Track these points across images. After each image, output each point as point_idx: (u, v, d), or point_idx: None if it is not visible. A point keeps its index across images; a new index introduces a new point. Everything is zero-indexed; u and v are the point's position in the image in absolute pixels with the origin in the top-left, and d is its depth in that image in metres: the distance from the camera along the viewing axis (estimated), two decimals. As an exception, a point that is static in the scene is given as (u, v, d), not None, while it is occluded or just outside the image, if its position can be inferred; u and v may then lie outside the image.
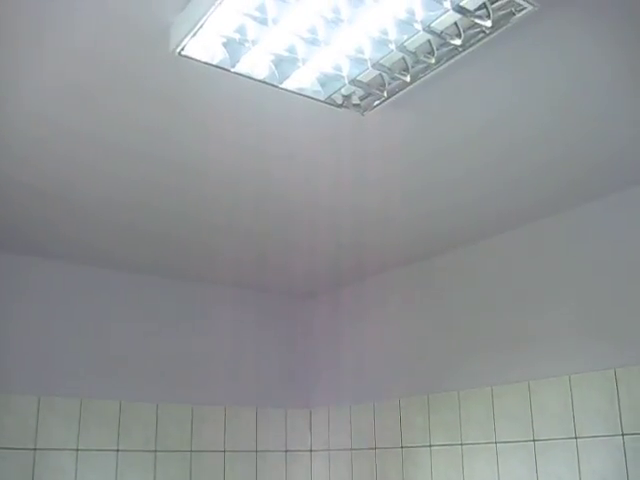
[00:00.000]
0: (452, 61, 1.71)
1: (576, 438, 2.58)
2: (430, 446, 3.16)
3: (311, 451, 3.90)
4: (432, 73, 1.76)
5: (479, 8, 1.54)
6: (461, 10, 1.53)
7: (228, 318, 3.81)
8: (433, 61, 1.71)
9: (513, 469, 2.78)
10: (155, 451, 3.40)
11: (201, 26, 1.57)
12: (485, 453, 2.90)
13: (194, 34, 1.60)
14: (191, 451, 3.51)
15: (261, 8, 1.56)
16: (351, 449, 3.61)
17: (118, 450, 3.31)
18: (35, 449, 3.11)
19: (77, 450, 3.21)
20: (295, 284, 3.85)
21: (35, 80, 1.86)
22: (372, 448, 3.47)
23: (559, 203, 2.73)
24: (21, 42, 1.69)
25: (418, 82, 1.80)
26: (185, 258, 3.37)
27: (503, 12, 1.55)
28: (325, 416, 3.84)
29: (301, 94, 1.85)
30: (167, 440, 3.45)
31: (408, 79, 1.79)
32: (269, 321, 3.97)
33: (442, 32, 1.62)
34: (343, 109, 1.94)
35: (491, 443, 2.89)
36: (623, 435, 2.45)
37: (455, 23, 1.59)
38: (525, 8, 1.52)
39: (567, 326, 2.70)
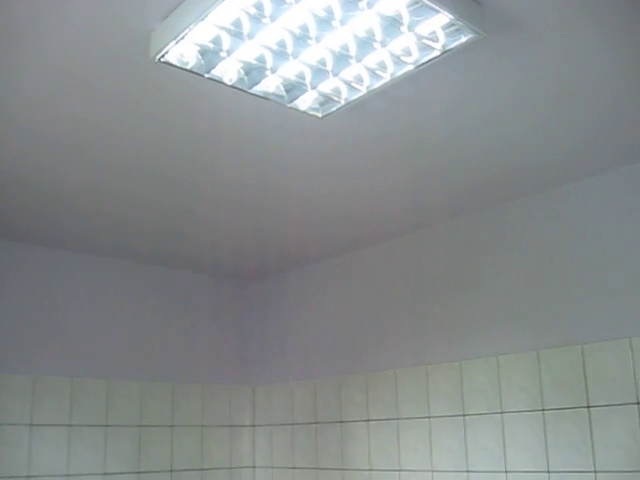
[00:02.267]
0: (401, 75, 1.91)
1: (502, 413, 2.84)
2: (368, 421, 3.39)
3: (254, 426, 4.09)
4: (383, 85, 1.96)
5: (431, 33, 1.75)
6: (415, 34, 1.74)
7: (179, 299, 3.97)
8: (387, 75, 1.92)
9: (445, 441, 3.03)
10: (106, 426, 3.54)
11: (183, 37, 1.72)
12: (419, 427, 3.14)
13: (176, 42, 1.75)
14: (140, 426, 3.65)
15: (237, 23, 1.73)
16: (292, 424, 3.81)
17: (70, 425, 3.43)
18: (-5, 423, 3.21)
19: (30, 425, 3.32)
20: (243, 267, 4.00)
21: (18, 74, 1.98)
22: (313, 423, 3.69)
23: (492, 198, 2.97)
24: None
25: (371, 92, 2.00)
26: (144, 242, 3.49)
27: (451, 38, 1.75)
28: (268, 393, 4.03)
29: (267, 98, 2.02)
30: (117, 415, 3.59)
31: (364, 90, 1.99)
32: (216, 302, 4.13)
33: (397, 53, 1.82)
34: (304, 113, 2.12)
35: (425, 418, 3.13)
36: (544, 410, 2.71)
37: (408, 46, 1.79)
38: (471, 35, 1.73)
39: (496, 311, 2.95)
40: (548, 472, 2.65)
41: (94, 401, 3.53)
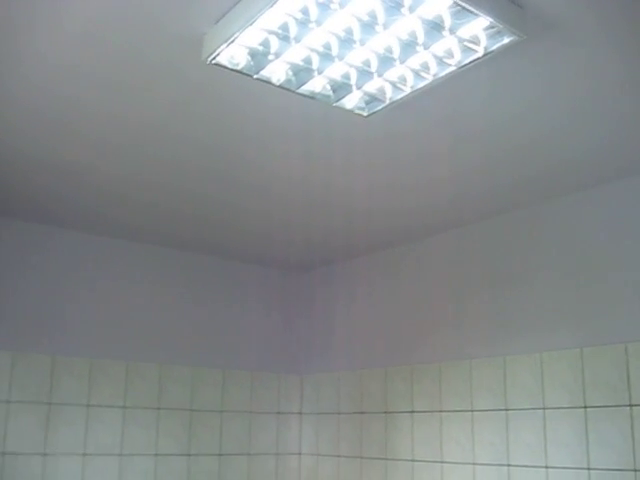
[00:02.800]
0: (444, 75, 1.96)
1: (544, 409, 2.87)
2: (412, 412, 3.45)
3: (301, 414, 4.19)
4: (426, 85, 2.02)
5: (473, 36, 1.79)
6: (457, 37, 1.78)
7: (231, 289, 4.08)
8: (430, 76, 1.97)
9: (487, 435, 3.07)
10: (158, 409, 3.68)
11: (233, 40, 1.81)
12: (462, 420, 3.19)
13: (227, 45, 1.83)
14: (191, 410, 3.78)
15: (284, 27, 1.80)
16: (338, 413, 3.89)
17: (124, 407, 3.58)
18: (50, 403, 3.37)
19: (88, 406, 3.47)
20: (292, 259, 4.10)
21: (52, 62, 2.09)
22: (358, 413, 3.76)
23: (537, 195, 2.98)
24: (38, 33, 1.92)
25: (415, 92, 2.05)
26: (195, 232, 3.61)
27: (493, 40, 1.80)
28: (315, 382, 4.12)
29: (314, 98, 2.10)
30: (169, 399, 3.72)
31: (408, 89, 2.05)
32: (267, 293, 4.23)
33: (439, 55, 1.87)
34: (350, 112, 2.19)
35: (467, 411, 3.17)
36: (585, 408, 2.73)
37: (450, 48, 1.84)
38: (512, 37, 1.77)
39: (541, 308, 2.97)
40: (588, 469, 2.67)
41: (147, 385, 3.67)
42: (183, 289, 3.90)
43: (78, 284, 3.56)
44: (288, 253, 3.98)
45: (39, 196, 3.13)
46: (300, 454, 4.13)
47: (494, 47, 1.82)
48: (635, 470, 2.54)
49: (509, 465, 2.95)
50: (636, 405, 2.58)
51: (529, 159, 2.61)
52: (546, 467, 2.82)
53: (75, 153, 2.65)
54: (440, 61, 1.91)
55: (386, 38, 1.83)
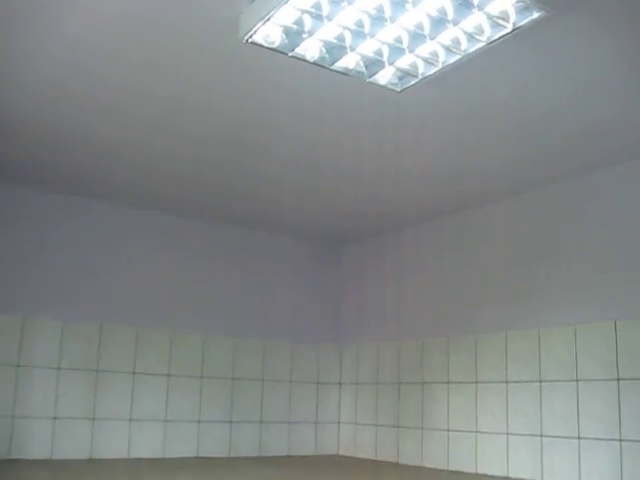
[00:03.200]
0: (474, 51, 1.99)
1: (577, 380, 2.90)
2: (448, 383, 3.51)
3: (340, 384, 4.28)
4: (457, 60, 2.05)
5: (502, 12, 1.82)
6: (486, 13, 1.82)
7: (272, 262, 4.18)
8: (461, 52, 2.00)
9: (520, 405, 3.12)
10: (201, 377, 3.80)
11: (269, 18, 1.87)
12: (497, 390, 3.24)
13: (263, 24, 1.89)
14: (233, 378, 3.90)
15: (317, 5, 1.85)
16: (377, 383, 3.98)
17: (169, 375, 3.71)
18: (97, 370, 3.51)
19: (133, 373, 3.61)
20: (333, 233, 4.17)
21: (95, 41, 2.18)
22: (395, 383, 3.84)
23: (571, 171, 3.00)
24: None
25: (446, 67, 2.09)
26: (239, 206, 3.69)
27: (521, 16, 1.83)
28: (354, 352, 4.21)
29: (348, 74, 2.15)
30: (212, 368, 3.84)
31: (439, 65, 2.09)
32: (307, 266, 4.32)
33: (469, 30, 1.90)
34: (383, 88, 2.24)
35: (502, 382, 3.22)
36: (618, 380, 2.76)
37: (480, 24, 1.88)
38: (540, 12, 1.80)
39: (575, 282, 3.00)
40: (620, 440, 2.70)
41: (191, 354, 3.79)
42: (226, 262, 4.01)
43: (120, 256, 3.69)
44: (329, 226, 4.05)
45: (70, 169, 3.23)
46: (339, 423, 4.22)
47: (522, 22, 1.85)
48: (666, 441, 2.57)
49: (542, 435, 3.00)
50: (669, 377, 2.60)
51: (565, 131, 2.62)
52: (578, 438, 2.85)
53: (108, 128, 2.74)
54: (470, 37, 1.95)
55: (416, 15, 1.87)
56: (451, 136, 2.71)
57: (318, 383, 4.21)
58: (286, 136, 2.77)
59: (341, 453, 4.18)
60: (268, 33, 1.96)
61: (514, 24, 1.86)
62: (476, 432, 3.31)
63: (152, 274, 3.75)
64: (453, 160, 2.95)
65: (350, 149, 2.87)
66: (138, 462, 3.38)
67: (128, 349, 3.61)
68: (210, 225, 3.99)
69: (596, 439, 2.79)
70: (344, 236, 4.26)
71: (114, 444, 3.50)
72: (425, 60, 2.09)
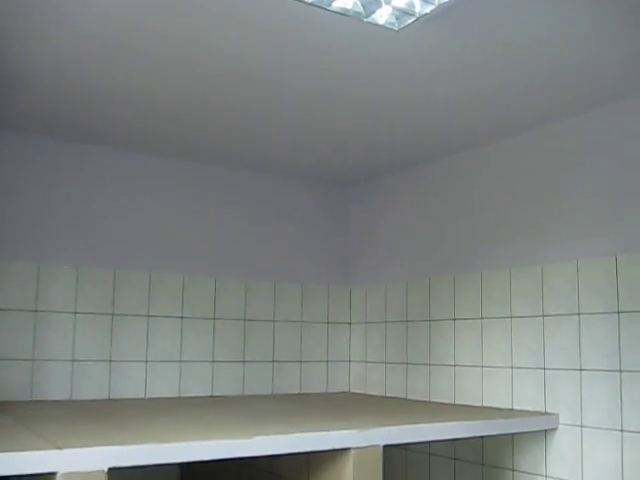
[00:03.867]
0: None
1: (579, 314, 2.97)
2: (454, 320, 3.59)
3: (350, 324, 4.37)
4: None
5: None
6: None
7: (281, 205, 4.23)
8: (457, -11, 2.02)
9: (524, 339, 3.19)
10: (214, 319, 3.90)
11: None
12: (501, 326, 3.31)
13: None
14: (245, 320, 4.00)
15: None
16: (385, 322, 4.06)
17: (182, 317, 3.81)
18: (113, 314, 3.62)
19: (148, 316, 3.71)
20: (341, 173, 4.21)
21: None
22: (403, 321, 3.92)
23: (573, 107, 3.00)
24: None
25: (443, 5, 2.10)
26: (246, 150, 3.73)
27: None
28: (363, 293, 4.29)
29: (346, 15, 2.17)
30: (224, 310, 3.94)
31: (436, 3, 2.10)
32: (316, 207, 4.37)
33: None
34: (382, 27, 2.25)
35: (507, 318, 3.29)
36: (619, 312, 2.82)
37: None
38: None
39: (576, 218, 3.04)
40: (620, 371, 2.78)
41: (203, 297, 3.89)
42: (236, 207, 4.07)
43: (132, 201, 3.76)
44: (337, 167, 4.09)
45: (79, 116, 3.26)
46: (349, 361, 4.33)
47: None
48: (665, 371, 2.64)
49: (545, 368, 3.08)
50: (668, 309, 2.66)
51: (565, 68, 2.63)
52: (580, 369, 2.93)
53: (117, 72, 2.76)
54: (465, -26, 1.96)
55: (410, -47, 1.88)
56: (447, 71, 2.72)
57: (328, 323, 4.30)
58: (298, 72, 2.76)
59: (352, 390, 4.29)
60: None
61: (508, -40, 1.87)
62: (482, 367, 3.39)
63: (163, 220, 3.83)
64: (452, 94, 2.96)
65: (360, 82, 2.87)
66: (155, 401, 3.50)
67: (142, 293, 3.71)
68: (220, 170, 4.04)
69: (597, 370, 2.87)
70: (351, 178, 4.30)
71: (131, 385, 3.62)
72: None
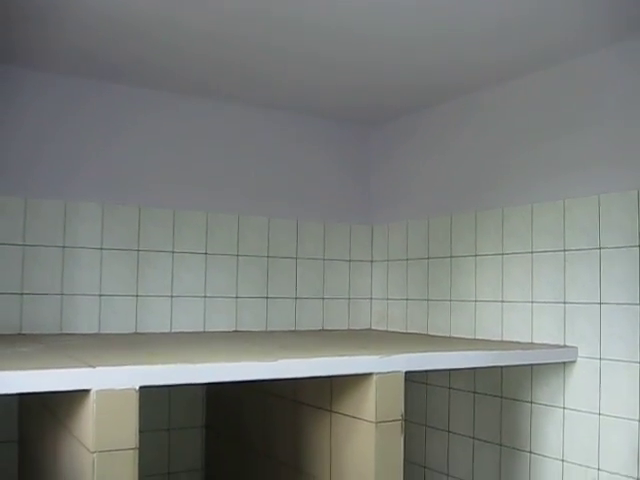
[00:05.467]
0: None
1: (600, 249, 2.98)
2: (475, 256, 3.62)
3: (372, 261, 4.42)
4: None
5: None
6: None
7: (304, 143, 4.26)
8: None
9: (545, 274, 3.22)
10: (237, 255, 3.96)
11: None
12: (522, 261, 3.34)
13: None
14: (268, 257, 4.06)
15: None
16: (407, 259, 4.10)
17: (206, 253, 3.87)
18: (138, 250, 3.68)
19: (172, 253, 3.78)
20: (363, 113, 4.20)
21: None
22: (425, 258, 3.96)
23: (588, 43, 2.97)
24: None
25: None
26: (267, 87, 3.74)
27: None
28: (385, 230, 4.32)
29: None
30: (247, 246, 4.00)
31: None
32: (338, 147, 4.39)
33: None
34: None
35: (528, 253, 3.32)
36: (639, 246, 2.84)
37: None
38: None
39: (597, 153, 3.03)
40: (639, 304, 2.81)
41: (227, 233, 3.94)
42: (257, 146, 4.09)
43: (156, 139, 3.80)
44: (358, 106, 4.09)
45: (89, 50, 3.27)
46: (371, 299, 4.39)
47: None
48: (685, 303, 2.66)
49: (565, 302, 3.11)
50: (689, 242, 2.67)
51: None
52: (600, 303, 2.96)
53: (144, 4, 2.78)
54: None
55: None
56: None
57: (350, 261, 4.35)
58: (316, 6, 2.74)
59: (373, 327, 4.36)
60: None
61: None
62: (502, 302, 3.43)
63: (186, 158, 3.87)
64: (470, 30, 2.94)
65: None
66: (181, 335, 3.59)
67: (166, 230, 3.77)
68: (240, 108, 4.05)
69: (617, 304, 2.89)
70: (372, 118, 4.30)
71: (157, 319, 3.71)
72: None
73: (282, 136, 4.19)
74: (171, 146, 3.83)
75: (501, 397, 3.41)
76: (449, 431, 3.70)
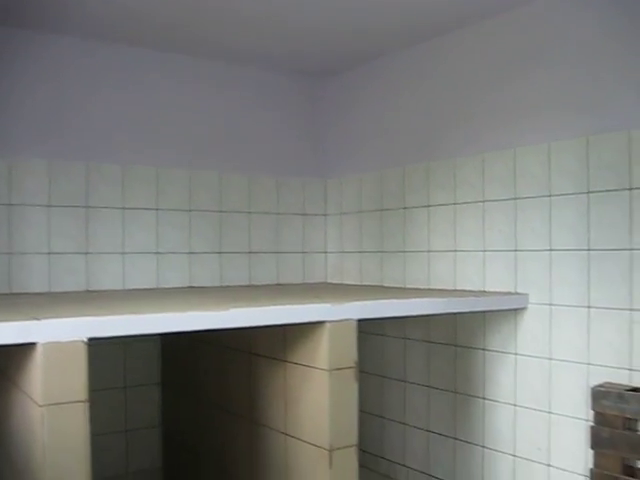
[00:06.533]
0: None
1: (550, 196, 3.01)
2: (428, 207, 3.63)
3: (325, 215, 4.41)
4: None
5: None
6: None
7: (255, 97, 4.19)
8: None
9: (496, 222, 3.25)
10: (189, 211, 3.91)
11: None
12: (474, 210, 3.36)
13: None
14: (220, 211, 4.01)
15: None
16: (360, 212, 4.10)
17: (157, 209, 3.81)
18: (87, 207, 3.61)
19: (123, 209, 3.71)
20: (314, 65, 4.15)
21: None
22: (378, 210, 3.96)
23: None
24: None
25: None
26: (214, 34, 3.66)
27: None
28: (338, 184, 4.31)
29: None
30: (199, 202, 3.95)
31: None
32: (290, 100, 4.33)
33: None
34: None
35: (480, 202, 3.34)
36: (589, 193, 2.86)
37: None
38: None
39: (547, 100, 3.04)
40: (588, 250, 2.85)
41: (178, 189, 3.88)
42: (208, 100, 4.02)
43: (102, 94, 3.70)
44: (309, 59, 4.03)
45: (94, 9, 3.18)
46: (325, 252, 4.39)
47: None
48: (631, 249, 2.70)
49: (516, 250, 3.15)
50: (636, 188, 2.70)
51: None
52: (550, 250, 3.00)
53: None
54: None
55: None
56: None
57: (304, 215, 4.33)
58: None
59: (329, 280, 4.37)
60: None
61: None
62: (455, 251, 3.46)
63: (134, 112, 3.78)
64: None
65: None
66: (134, 291, 3.54)
67: (115, 186, 3.70)
68: (190, 59, 3.96)
69: (566, 250, 2.93)
70: (324, 69, 4.25)
71: (109, 276, 3.65)
72: None
73: (232, 90, 4.11)
74: (116, 101, 3.73)
75: (455, 345, 3.46)
76: (405, 381, 3.75)
